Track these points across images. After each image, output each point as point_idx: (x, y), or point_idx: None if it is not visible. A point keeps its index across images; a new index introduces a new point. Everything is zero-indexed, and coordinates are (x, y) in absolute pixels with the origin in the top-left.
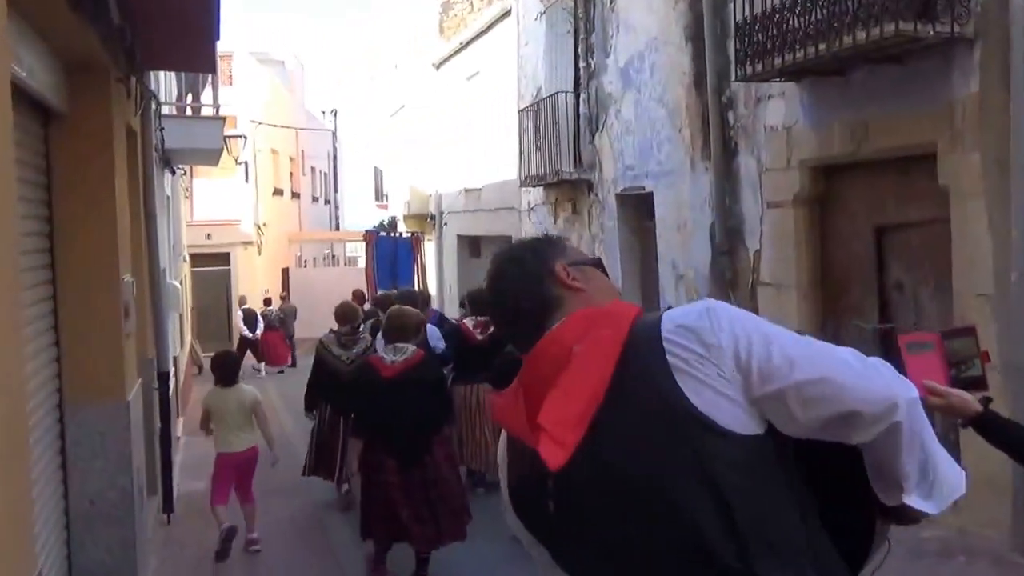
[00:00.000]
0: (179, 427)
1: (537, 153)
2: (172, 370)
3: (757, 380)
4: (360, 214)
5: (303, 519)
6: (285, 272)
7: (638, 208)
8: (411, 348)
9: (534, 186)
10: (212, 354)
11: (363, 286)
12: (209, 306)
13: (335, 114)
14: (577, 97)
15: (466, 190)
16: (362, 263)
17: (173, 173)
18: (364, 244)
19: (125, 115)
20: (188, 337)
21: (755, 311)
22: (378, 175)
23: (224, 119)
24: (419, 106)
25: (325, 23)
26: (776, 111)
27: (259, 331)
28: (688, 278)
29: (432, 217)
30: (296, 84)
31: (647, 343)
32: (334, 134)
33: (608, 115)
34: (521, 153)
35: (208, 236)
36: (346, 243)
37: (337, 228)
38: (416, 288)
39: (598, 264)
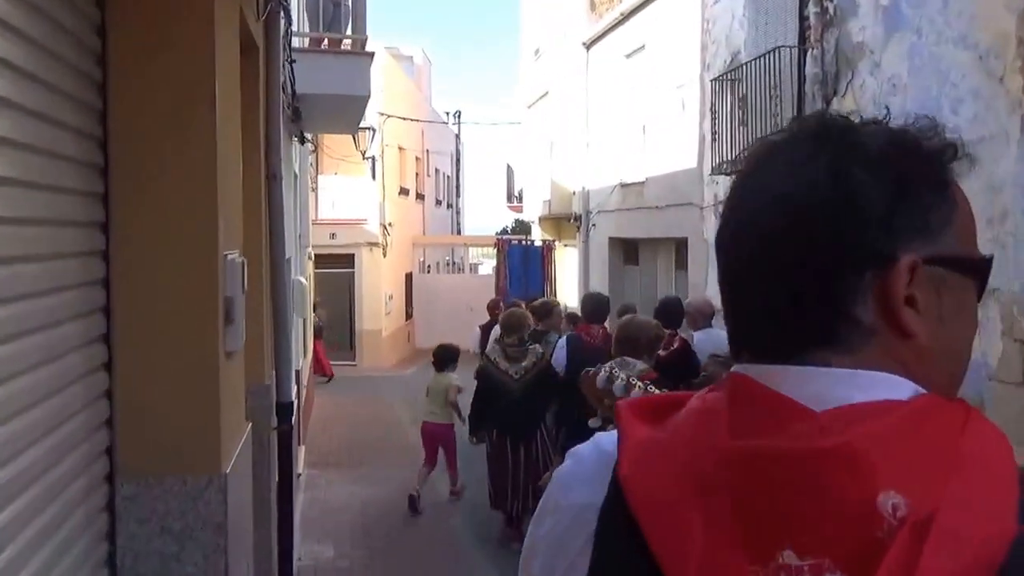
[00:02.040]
0: (300, 459)
1: (738, 131)
2: (297, 396)
3: None
4: (484, 218)
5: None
6: (408, 277)
7: None
8: (640, 366)
9: (729, 173)
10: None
11: (488, 294)
12: (332, 311)
13: (459, 116)
14: (803, 54)
15: (623, 185)
16: (483, 270)
17: (303, 142)
18: (495, 250)
19: (238, 6)
20: (311, 344)
21: None
22: (511, 174)
23: (372, 55)
24: (564, 94)
25: (452, 17)
26: None
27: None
28: (1005, 296)
29: (577, 218)
30: (423, 81)
31: None
32: (457, 136)
33: (856, 72)
34: (714, 134)
35: (333, 236)
36: (469, 248)
37: (458, 233)
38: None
39: (982, 270)
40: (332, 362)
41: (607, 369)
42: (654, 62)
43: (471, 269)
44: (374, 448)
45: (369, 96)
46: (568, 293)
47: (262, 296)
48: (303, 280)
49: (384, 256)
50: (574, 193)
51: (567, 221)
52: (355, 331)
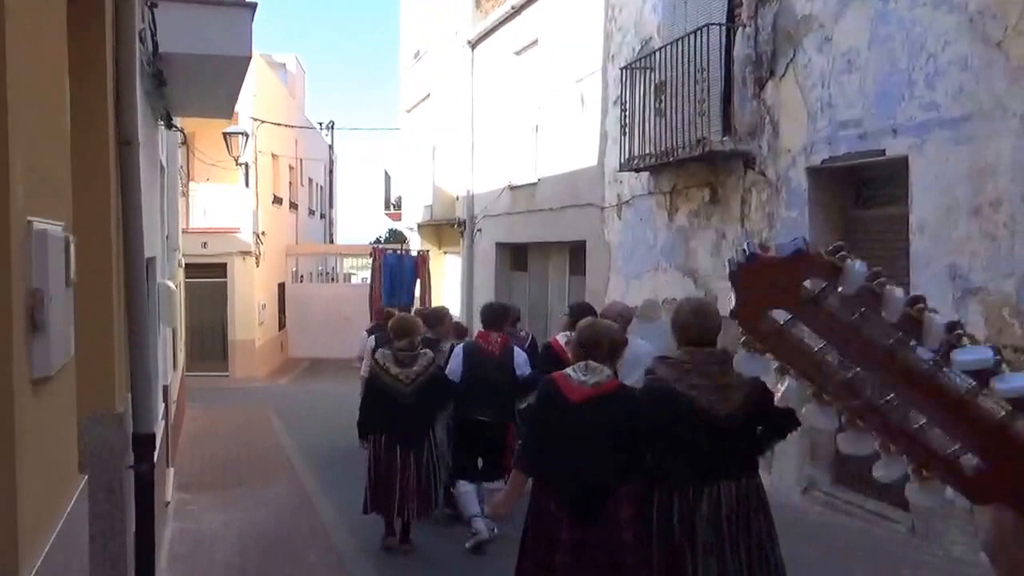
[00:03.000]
0: (169, 484)
1: (655, 122)
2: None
3: None
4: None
5: None
6: (282, 287)
7: (854, 186)
8: (607, 372)
9: (639, 170)
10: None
11: (362, 304)
12: (204, 322)
13: (332, 125)
14: (732, 33)
15: (512, 187)
16: (356, 280)
17: (169, 126)
18: (371, 259)
19: None
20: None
21: None
22: (388, 181)
23: (254, 7)
24: (447, 95)
25: (326, 29)
26: None
27: None
28: (993, 296)
29: (461, 223)
30: (297, 89)
31: None
32: (331, 147)
33: (800, 49)
34: (623, 127)
35: (205, 245)
36: (342, 258)
37: (331, 244)
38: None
39: None
40: (204, 373)
41: (575, 373)
42: (548, 57)
43: (345, 279)
44: (250, 465)
45: (250, 57)
46: (451, 302)
47: (112, 295)
48: (171, 285)
49: (257, 265)
50: (458, 198)
51: (450, 227)
52: (228, 341)
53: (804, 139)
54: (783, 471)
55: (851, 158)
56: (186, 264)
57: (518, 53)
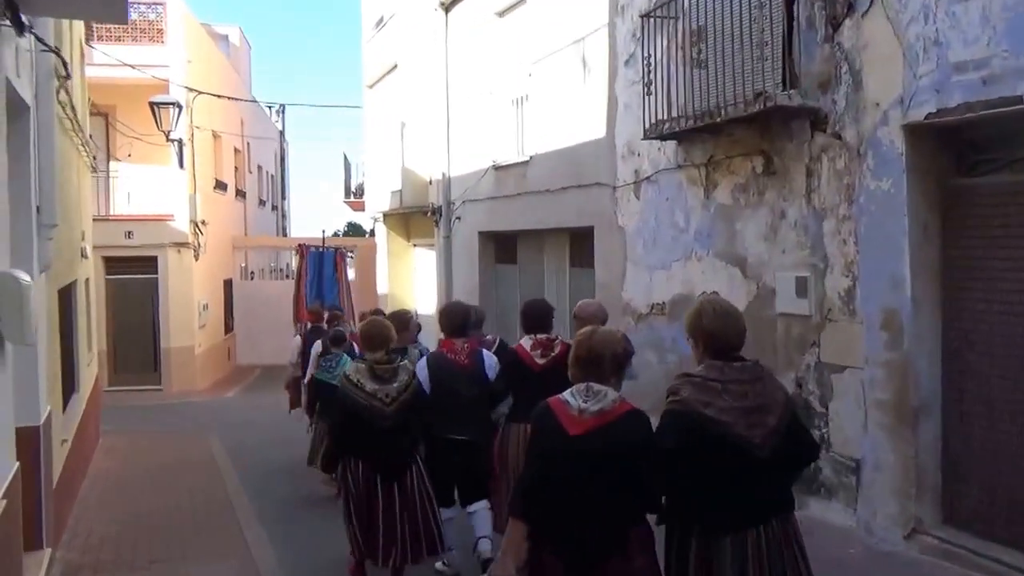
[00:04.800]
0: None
1: (690, 81)
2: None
3: None
4: (313, 221)
5: None
6: (228, 284)
7: (955, 149)
8: (612, 395)
9: (665, 138)
10: None
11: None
12: (130, 326)
13: (283, 110)
14: None
15: (497, 167)
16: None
17: (20, 29)
18: (297, 256)
19: None
20: (91, 370)
21: None
22: (348, 167)
23: None
24: (417, 66)
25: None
26: None
27: None
28: None
29: (436, 211)
30: (241, 64)
31: None
32: (282, 133)
33: None
34: (647, 87)
35: (129, 235)
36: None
37: (285, 237)
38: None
39: None
40: (131, 387)
41: (575, 399)
42: (539, 16)
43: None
44: (179, 528)
45: None
46: (424, 303)
47: None
48: (22, 277)
49: (196, 259)
50: (431, 182)
51: (423, 215)
52: (160, 349)
53: (899, 89)
54: (877, 507)
55: (971, 109)
56: (108, 257)
57: (501, 14)
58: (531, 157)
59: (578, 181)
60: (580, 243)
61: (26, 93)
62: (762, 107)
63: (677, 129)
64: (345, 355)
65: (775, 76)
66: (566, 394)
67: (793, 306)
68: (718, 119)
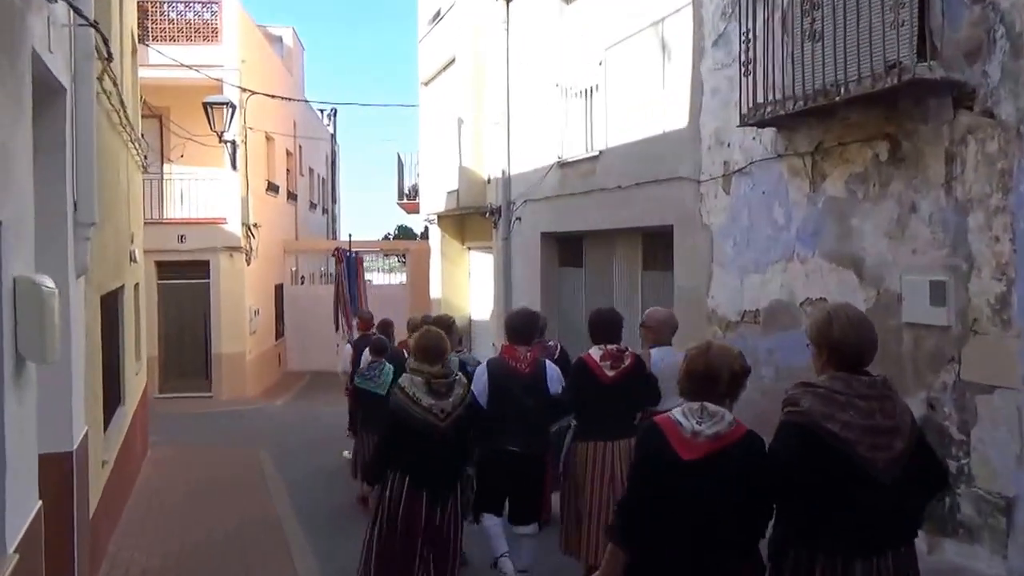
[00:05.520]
0: None
1: (807, 50)
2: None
3: None
4: (363, 225)
5: None
6: (279, 289)
7: None
8: (728, 417)
9: (764, 124)
10: None
11: (378, 309)
12: (182, 332)
13: (334, 114)
14: None
15: (562, 164)
16: (374, 280)
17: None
18: (335, 261)
19: None
20: (139, 380)
21: None
22: (402, 169)
23: None
24: (476, 59)
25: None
26: None
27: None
28: None
29: (494, 211)
30: (295, 66)
31: None
32: (333, 136)
33: None
34: (746, 66)
35: (182, 239)
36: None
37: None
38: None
39: None
40: (181, 394)
41: (687, 420)
42: (611, 0)
43: None
44: (224, 555)
45: None
46: (480, 308)
47: None
48: (45, 284)
49: (248, 264)
50: (489, 180)
51: (480, 216)
52: (211, 355)
53: None
54: None
55: None
56: (160, 262)
57: (569, 0)
58: (601, 152)
59: (655, 176)
60: (655, 244)
61: (62, 74)
62: (895, 82)
63: (782, 113)
64: (387, 364)
65: (908, 46)
66: (676, 413)
67: (926, 315)
68: (836, 98)
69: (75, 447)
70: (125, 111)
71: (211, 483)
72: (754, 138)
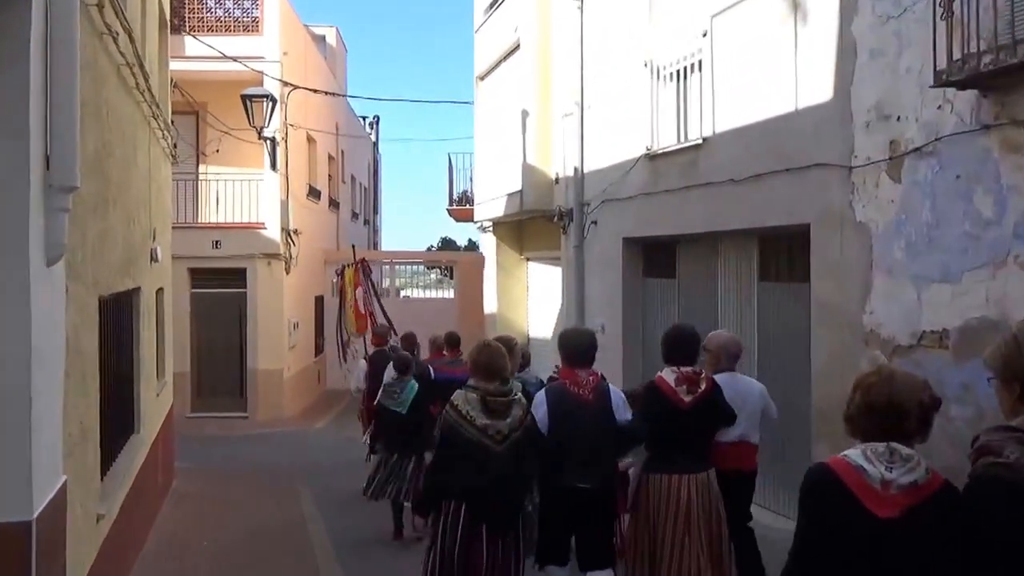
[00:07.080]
0: None
1: None
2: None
3: None
4: (405, 238)
5: None
6: (319, 301)
7: None
8: (923, 462)
9: (964, 86)
10: None
11: (422, 327)
12: (215, 345)
13: (376, 122)
14: None
15: (651, 156)
16: (414, 294)
17: None
18: (360, 273)
19: None
20: (161, 401)
21: None
22: (452, 172)
23: None
24: (542, 42)
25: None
26: None
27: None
28: None
29: (562, 216)
30: (338, 67)
31: None
32: (375, 145)
33: None
34: (945, 10)
35: (217, 244)
36: (395, 267)
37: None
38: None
39: None
40: (214, 414)
41: (873, 466)
42: None
43: (396, 293)
44: None
45: None
46: (542, 328)
47: None
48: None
49: (287, 272)
50: (557, 180)
51: (546, 221)
52: (247, 372)
53: None
54: None
55: None
56: (193, 269)
57: None
58: (705, 139)
59: (784, 164)
60: (778, 248)
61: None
62: None
63: (995, 67)
64: (413, 381)
65: None
66: (856, 456)
67: None
68: None
69: (37, 513)
70: (145, 75)
71: (240, 534)
72: (940, 107)
